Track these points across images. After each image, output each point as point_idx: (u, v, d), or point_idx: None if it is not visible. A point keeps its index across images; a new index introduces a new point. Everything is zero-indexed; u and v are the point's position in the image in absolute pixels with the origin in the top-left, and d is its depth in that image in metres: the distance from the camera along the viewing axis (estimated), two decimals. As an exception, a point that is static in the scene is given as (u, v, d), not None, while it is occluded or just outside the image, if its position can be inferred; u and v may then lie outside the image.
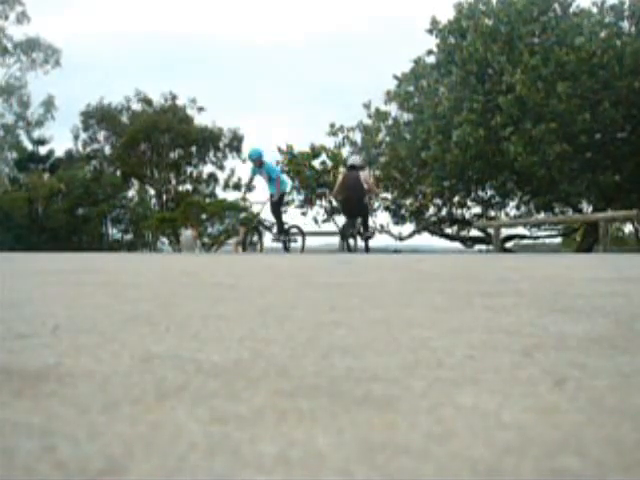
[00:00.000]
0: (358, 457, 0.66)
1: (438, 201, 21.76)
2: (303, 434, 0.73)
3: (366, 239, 12.03)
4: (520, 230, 22.18)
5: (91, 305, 2.14)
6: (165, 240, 30.54)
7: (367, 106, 21.96)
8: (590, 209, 20.19)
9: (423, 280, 3.63)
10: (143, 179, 33.54)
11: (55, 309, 2.01)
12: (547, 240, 24.69)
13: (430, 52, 20.67)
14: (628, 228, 26.71)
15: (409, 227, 22.51)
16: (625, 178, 18.72)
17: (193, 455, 0.66)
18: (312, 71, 72.82)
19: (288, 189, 12.95)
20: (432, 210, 22.16)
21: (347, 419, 0.79)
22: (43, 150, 32.49)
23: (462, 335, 1.44)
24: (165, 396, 0.91)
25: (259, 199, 13.60)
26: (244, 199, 15.85)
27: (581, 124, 17.34)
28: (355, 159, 12.63)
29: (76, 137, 33.89)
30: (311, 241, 20.74)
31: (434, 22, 20.24)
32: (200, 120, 34.15)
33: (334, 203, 19.97)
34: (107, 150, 34.03)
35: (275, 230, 12.43)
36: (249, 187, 14.06)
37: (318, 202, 22.12)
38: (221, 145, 33.82)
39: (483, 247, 21.60)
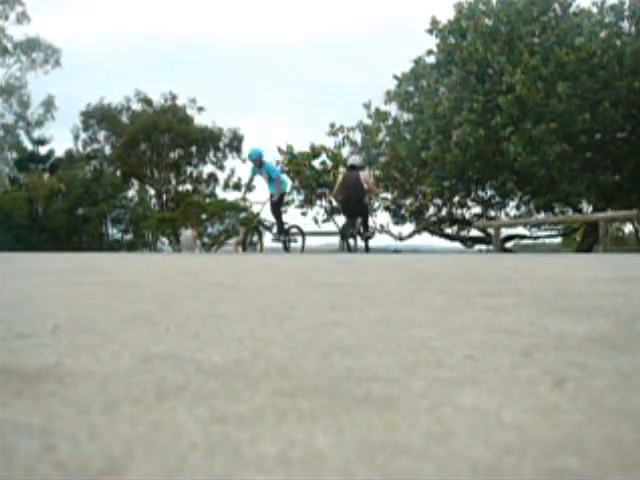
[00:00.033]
0: (358, 457, 0.66)
1: (438, 201, 21.76)
2: (303, 434, 0.73)
3: (366, 239, 12.04)
4: (520, 230, 22.21)
5: (91, 305, 2.14)
6: (165, 240, 30.54)
7: (367, 106, 21.97)
8: (590, 209, 20.19)
9: (423, 280, 3.63)
10: (143, 179, 33.54)
11: (55, 309, 2.01)
12: (547, 240, 24.71)
13: (430, 52, 20.68)
14: (628, 228, 26.73)
15: (409, 227, 22.53)
16: (625, 178, 18.72)
17: (193, 455, 0.66)
18: (312, 71, 72.86)
19: (288, 189, 12.95)
20: (432, 210, 22.17)
21: (347, 419, 0.79)
22: (43, 150, 32.53)
23: (462, 335, 1.44)
24: (165, 396, 0.91)
25: (259, 199, 13.61)
26: (244, 199, 15.85)
27: (581, 124, 17.35)
28: (355, 159, 12.63)
29: (76, 137, 33.92)
30: (311, 241, 20.73)
31: (434, 22, 20.24)
32: (200, 120, 34.20)
33: (334, 203, 19.97)
34: (107, 150, 34.05)
35: (275, 230, 12.44)
36: (249, 187, 14.07)
37: (318, 202, 22.13)
38: (221, 145, 33.82)
39: (483, 247, 21.60)
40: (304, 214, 22.15)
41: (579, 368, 1.09)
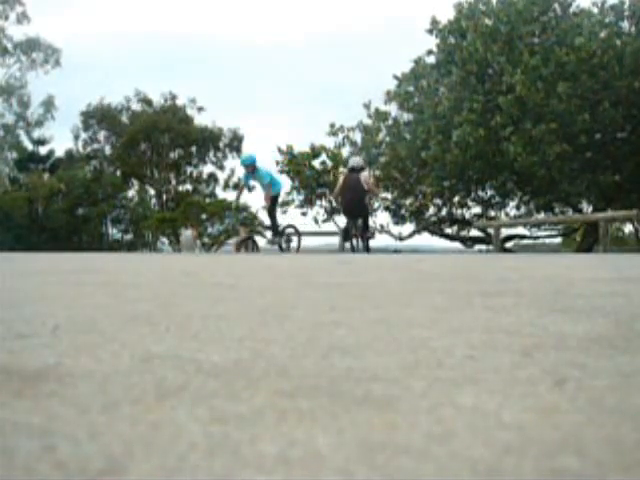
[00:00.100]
0: (358, 457, 0.66)
1: (438, 201, 21.76)
2: (303, 434, 0.73)
3: (366, 239, 12.11)
4: (520, 230, 22.20)
5: (91, 305, 2.14)
6: (165, 240, 30.54)
7: (367, 106, 21.96)
8: (590, 209, 20.19)
9: (423, 280, 3.63)
10: (143, 179, 33.54)
11: (55, 309, 2.01)
12: (547, 240, 24.71)
13: (430, 52, 20.67)
14: (628, 228, 26.73)
15: (409, 227, 22.52)
16: (625, 178, 18.72)
17: (193, 455, 0.66)
18: (312, 71, 72.82)
19: (282, 190, 12.96)
20: (432, 210, 22.16)
21: (347, 419, 0.79)
22: (43, 150, 32.52)
23: (462, 335, 1.44)
24: (165, 396, 0.91)
25: (253, 201, 13.68)
26: (237, 207, 15.85)
27: (581, 124, 17.35)
28: (355, 161, 12.68)
29: (76, 137, 33.93)
30: (311, 241, 20.79)
31: (434, 22, 20.24)
32: (200, 120, 34.21)
33: (334, 203, 19.96)
34: (107, 150, 34.05)
35: (270, 235, 12.57)
36: (240, 195, 14.12)
37: (318, 202, 22.11)
38: (221, 145, 33.83)
39: (483, 247, 21.60)
40: (304, 214, 22.15)
41: (579, 368, 1.09)
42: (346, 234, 12.31)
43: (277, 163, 21.74)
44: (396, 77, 21.49)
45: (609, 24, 18.49)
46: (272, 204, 12.30)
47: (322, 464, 0.64)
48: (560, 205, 20.87)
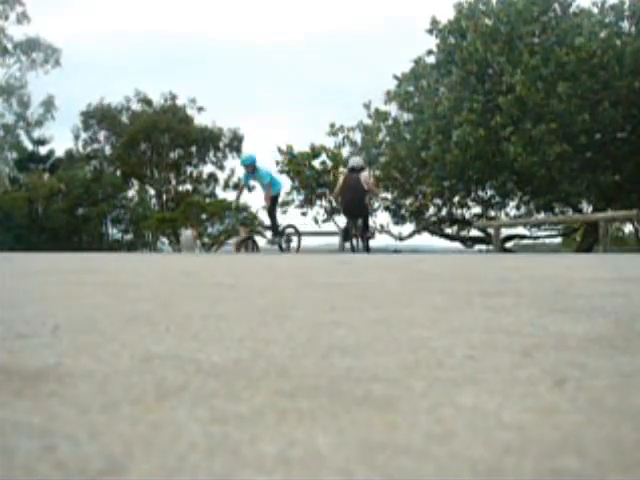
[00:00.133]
0: (358, 457, 0.66)
1: (438, 201, 21.76)
2: (303, 434, 0.73)
3: (366, 239, 12.16)
4: (520, 230, 22.20)
5: (91, 305, 2.14)
6: (165, 240, 30.54)
7: (367, 106, 21.96)
8: (590, 209, 20.19)
9: (423, 280, 3.63)
10: (143, 179, 33.54)
11: (55, 309, 2.01)
12: (547, 240, 24.70)
13: (430, 52, 20.67)
14: (628, 228, 26.72)
15: (409, 227, 22.52)
16: (625, 178, 18.72)
17: (193, 455, 0.67)
18: (312, 71, 72.80)
19: (282, 189, 12.96)
20: (432, 210, 22.16)
21: (347, 419, 0.79)
22: (43, 150, 32.53)
23: (462, 335, 1.44)
24: (165, 396, 0.91)
25: (253, 201, 13.72)
26: (237, 207, 15.86)
27: (581, 124, 17.35)
28: (355, 161, 12.72)
29: (76, 137, 33.93)
30: (311, 241, 20.79)
31: (434, 22, 20.23)
32: (200, 120, 34.21)
33: (334, 203, 19.96)
34: (107, 150, 34.05)
35: (270, 235, 12.59)
36: (240, 195, 14.13)
37: (318, 202, 22.11)
38: (221, 145, 33.83)
39: (483, 247, 21.60)
40: (304, 214, 22.15)
41: (579, 368, 1.09)
42: (346, 234, 12.37)
43: (277, 163, 21.75)
44: (396, 77, 21.50)
45: (609, 24, 18.48)
46: (272, 204, 12.32)
47: (322, 464, 0.64)
48: (560, 205, 20.87)
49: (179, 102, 33.91)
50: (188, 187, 34.02)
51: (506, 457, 0.65)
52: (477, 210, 22.06)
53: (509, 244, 22.24)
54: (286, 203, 21.98)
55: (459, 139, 17.95)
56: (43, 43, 33.97)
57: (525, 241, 23.81)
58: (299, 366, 1.11)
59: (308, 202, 22.05)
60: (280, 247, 12.35)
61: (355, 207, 11.80)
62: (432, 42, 20.47)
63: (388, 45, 68.24)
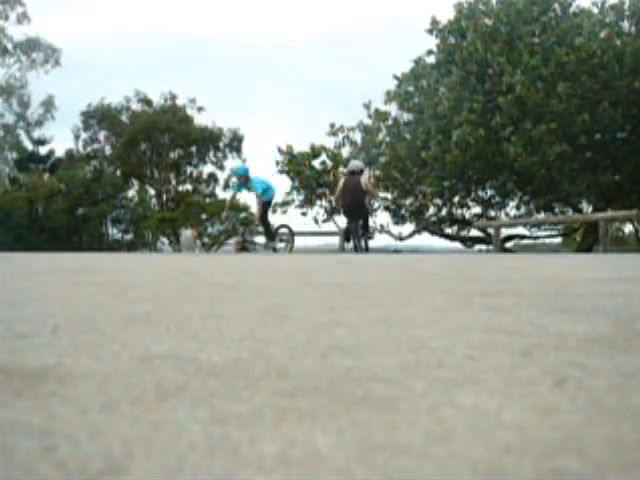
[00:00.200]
0: (358, 457, 0.66)
1: (438, 201, 21.75)
2: (303, 434, 0.73)
3: (366, 239, 12.35)
4: (520, 230, 22.20)
5: (91, 305, 2.14)
6: (165, 240, 30.54)
7: (367, 106, 21.95)
8: (590, 209, 20.18)
9: (423, 280, 3.63)
10: (143, 179, 33.53)
11: (55, 309, 2.01)
12: (547, 240, 24.70)
13: (430, 52, 20.67)
14: (628, 228, 26.71)
15: (409, 227, 22.52)
16: (625, 178, 18.72)
17: (193, 455, 0.67)
18: (312, 71, 72.78)
19: (275, 194, 12.95)
20: (432, 210, 22.15)
21: (347, 419, 0.79)
22: (43, 150, 32.51)
23: (462, 335, 1.44)
24: (165, 396, 0.91)
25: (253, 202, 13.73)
26: (227, 217, 15.89)
27: (581, 124, 17.35)
28: (355, 164, 12.89)
29: (77, 137, 33.92)
30: (311, 241, 20.79)
31: (434, 22, 20.23)
32: (200, 120, 34.17)
33: (334, 203, 19.97)
34: (107, 150, 34.04)
35: (264, 239, 12.64)
36: (231, 203, 14.17)
37: (318, 202, 22.11)
38: (221, 145, 33.80)
39: (483, 247, 21.59)
40: (304, 214, 22.16)
41: (579, 368, 1.09)
42: (347, 234, 12.52)
43: (277, 163, 21.76)
44: (396, 77, 21.49)
45: (609, 24, 18.48)
46: (264, 211, 12.38)
47: (322, 464, 0.64)
48: (560, 205, 20.86)
49: (179, 102, 33.92)
50: (188, 187, 34.02)
51: (506, 457, 0.65)
52: (477, 210, 22.07)
53: (509, 244, 22.23)
54: (286, 203, 21.99)
55: (459, 139, 17.95)
56: (43, 43, 33.97)
57: (525, 241, 23.80)
58: (299, 366, 1.11)
59: (308, 202, 22.05)
60: (274, 249, 12.43)
61: (355, 209, 12.04)
62: (432, 42, 20.50)
63: (388, 45, 68.25)
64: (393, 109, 21.50)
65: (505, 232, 20.10)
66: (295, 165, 21.64)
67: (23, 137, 34.07)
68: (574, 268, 4.75)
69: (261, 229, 12.92)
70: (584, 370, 1.07)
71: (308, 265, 5.51)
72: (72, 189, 28.88)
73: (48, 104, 34.21)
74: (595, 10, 19.14)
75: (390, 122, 21.37)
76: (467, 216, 22.24)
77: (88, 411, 0.83)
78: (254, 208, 12.69)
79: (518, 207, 21.55)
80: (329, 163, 21.87)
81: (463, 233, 22.99)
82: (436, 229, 22.60)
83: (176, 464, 0.64)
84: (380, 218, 26.17)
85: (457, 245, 23.40)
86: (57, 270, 4.73)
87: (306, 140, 44.45)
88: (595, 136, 18.39)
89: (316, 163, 21.92)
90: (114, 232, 31.55)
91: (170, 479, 0.61)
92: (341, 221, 18.68)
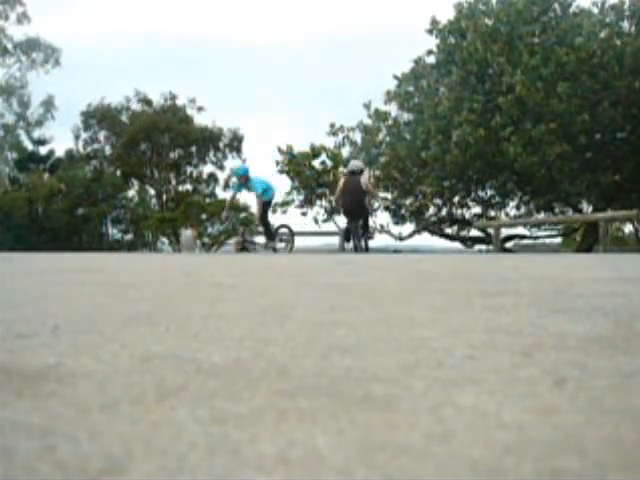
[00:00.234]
0: (358, 457, 0.66)
1: (438, 201, 21.75)
2: (303, 434, 0.73)
3: (366, 239, 12.39)
4: (520, 230, 22.20)
5: (91, 305, 2.14)
6: (165, 240, 30.54)
7: (367, 106, 21.95)
8: (590, 209, 20.18)
9: (423, 280, 3.63)
10: (143, 179, 33.53)
11: (55, 309, 2.01)
12: (547, 240, 24.70)
13: (430, 52, 20.67)
14: (628, 228, 26.70)
15: (409, 227, 22.52)
16: (625, 178, 18.72)
17: (193, 455, 0.67)
18: (312, 71, 72.78)
19: (275, 194, 12.95)
20: (432, 210, 22.15)
21: (347, 419, 0.79)
22: (43, 150, 32.51)
23: (462, 335, 1.44)
24: (165, 396, 0.91)
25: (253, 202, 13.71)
26: (227, 217, 15.91)
27: (581, 124, 17.35)
28: (355, 164, 12.94)
29: (77, 137, 33.92)
30: (311, 241, 20.80)
31: (434, 22, 20.23)
32: (200, 120, 34.17)
33: (334, 203, 19.97)
34: (107, 150, 34.04)
35: (264, 239, 12.66)
36: (231, 203, 14.18)
37: (318, 202, 22.12)
38: (221, 145, 33.81)
39: (483, 247, 21.59)
40: (304, 214, 22.17)
41: (579, 368, 1.09)
42: (347, 234, 12.57)
43: (277, 163, 21.76)
44: (396, 77, 21.49)
45: (609, 24, 18.48)
46: (264, 211, 12.38)
47: (322, 464, 0.64)
48: (560, 205, 20.87)
49: (179, 102, 33.92)
50: (188, 187, 34.02)
51: (506, 457, 0.65)
52: (477, 210, 22.07)
53: (509, 244, 22.23)
54: (286, 203, 22.00)
55: (459, 139, 17.95)
56: (43, 43, 33.97)
57: (525, 241, 23.80)
58: (299, 366, 1.11)
59: (308, 202, 22.06)
60: (274, 249, 12.45)
61: (355, 209, 12.09)
62: (432, 42, 20.50)
63: (388, 45, 68.27)
64: (393, 109, 21.52)
65: (505, 232, 20.10)
66: (295, 165, 21.64)
67: (23, 137, 34.11)
68: (574, 268, 4.75)
69: (261, 229, 12.94)
70: (584, 370, 1.07)
71: (308, 265, 5.51)
72: (72, 189, 28.89)
73: (48, 104, 34.21)
74: (595, 10, 19.15)
75: (390, 122, 21.37)
76: (467, 216, 22.24)
77: (88, 411, 0.83)
78: (254, 208, 12.69)
79: (518, 207, 21.56)
80: (329, 163, 21.87)
81: (463, 233, 22.99)
82: (436, 229, 22.60)
83: (176, 464, 0.64)
84: (380, 218, 26.20)
85: (457, 245, 23.42)
86: (57, 270, 4.73)
87: (306, 140, 44.46)
88: (595, 136, 18.39)
89: (316, 163, 21.93)
90: (114, 232, 31.58)
91: (170, 479, 0.61)
92: (341, 221, 18.70)
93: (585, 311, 1.88)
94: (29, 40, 33.81)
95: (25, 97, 34.26)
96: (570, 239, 25.38)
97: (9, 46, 33.91)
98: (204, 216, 28.50)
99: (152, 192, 33.86)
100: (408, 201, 21.78)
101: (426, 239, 24.68)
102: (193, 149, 33.58)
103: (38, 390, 0.94)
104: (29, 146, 33.12)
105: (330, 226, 21.06)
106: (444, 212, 22.24)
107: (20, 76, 34.21)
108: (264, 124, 60.54)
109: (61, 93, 55.52)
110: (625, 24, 19.02)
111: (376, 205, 20.24)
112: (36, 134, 33.37)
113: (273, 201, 13.48)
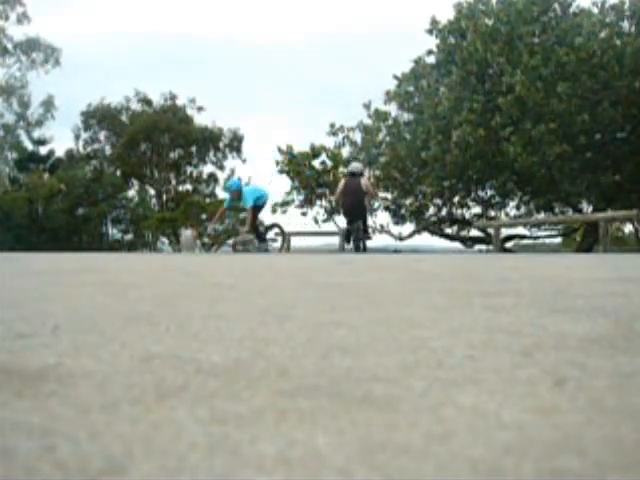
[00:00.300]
0: (358, 457, 0.66)
1: (438, 201, 21.75)
2: (303, 434, 0.73)
3: (364, 240, 12.47)
4: (520, 230, 22.19)
5: (91, 305, 2.14)
6: (165, 240, 30.54)
7: (367, 106, 21.95)
8: (590, 209, 20.18)
9: (423, 280, 3.63)
10: (143, 179, 33.53)
11: (55, 309, 2.01)
12: (547, 240, 24.68)
13: (430, 52, 20.67)
14: (628, 228, 26.69)
15: (409, 227, 22.52)
16: (625, 178, 18.71)
17: (193, 455, 0.67)
18: (312, 71, 72.72)
19: (267, 200, 12.94)
20: (432, 210, 22.15)
21: (347, 419, 0.79)
22: (43, 150, 32.51)
23: (462, 335, 1.44)
24: (165, 396, 0.91)
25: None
26: (214, 229, 15.92)
27: (581, 124, 17.34)
28: (355, 166, 13.05)
29: (77, 137, 33.92)
30: (311, 241, 20.80)
31: (434, 22, 20.23)
32: (200, 120, 34.17)
33: (334, 203, 19.98)
34: (107, 150, 34.05)
35: (256, 243, 12.67)
36: (218, 220, 14.14)
37: (318, 202, 22.12)
38: (221, 145, 33.81)
39: (483, 247, 21.59)
40: (304, 214, 22.17)
41: (579, 368, 1.09)
42: (347, 235, 12.66)
43: (277, 163, 21.76)
44: (396, 77, 21.49)
45: (609, 24, 18.47)
46: (254, 216, 12.36)
47: (322, 464, 0.64)
48: (560, 205, 20.86)
49: (179, 102, 33.92)
50: (188, 187, 34.02)
51: (506, 457, 0.65)
52: (477, 210, 22.06)
53: (509, 244, 22.22)
54: (286, 203, 22.00)
55: (459, 139, 17.95)
56: (43, 43, 33.97)
57: (525, 241, 23.79)
58: (299, 366, 1.11)
59: (308, 202, 22.06)
60: (266, 250, 12.50)
61: (355, 210, 12.19)
62: (432, 42, 20.49)
63: (388, 45, 68.20)
64: (393, 109, 21.52)
65: (505, 232, 20.09)
66: (295, 165, 21.64)
67: (23, 137, 34.10)
68: (574, 268, 4.75)
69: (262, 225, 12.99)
70: (584, 370, 1.07)
71: (308, 265, 5.51)
72: (72, 189, 28.88)
73: (48, 104, 34.22)
74: (595, 10, 19.14)
75: (390, 122, 21.37)
76: (467, 216, 22.23)
77: (88, 411, 0.83)
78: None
79: (518, 207, 21.55)
80: (329, 163, 21.87)
81: (463, 233, 22.98)
82: (436, 229, 22.60)
83: (176, 464, 0.64)
84: (380, 218, 26.20)
85: (457, 245, 23.41)
86: (57, 270, 4.73)
87: (306, 140, 44.46)
88: (595, 136, 18.38)
89: (316, 163, 21.93)
90: (114, 232, 31.58)
91: (170, 479, 0.61)
92: (341, 221, 18.69)
93: (585, 311, 1.88)
94: (29, 40, 33.81)
95: (25, 97, 34.28)
96: (570, 239, 25.38)
97: (9, 46, 33.92)
98: (204, 216, 28.50)
99: (152, 192, 33.87)
100: (408, 201, 21.78)
101: (426, 239, 24.68)
102: (193, 149, 33.58)
103: (38, 390, 0.94)
104: (29, 146, 33.15)
105: (330, 226, 21.07)
106: (444, 212, 22.24)
107: (20, 76, 34.24)
108: (264, 124, 60.52)
109: (61, 93, 55.50)
110: (625, 24, 19.01)
111: (376, 205, 20.26)
112: (36, 134, 33.41)
113: (266, 205, 13.47)
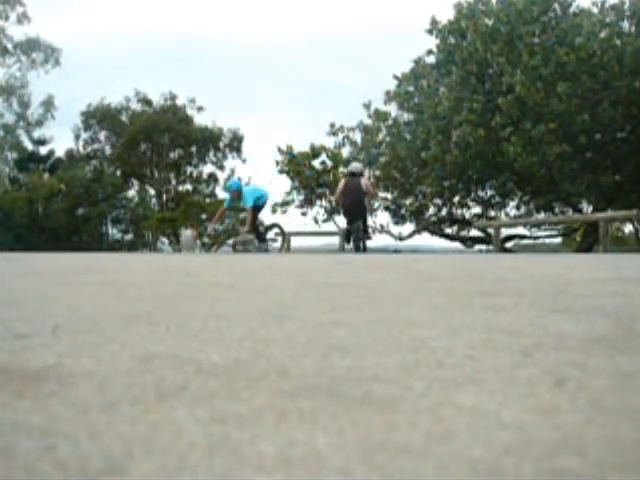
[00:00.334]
0: (358, 457, 0.66)
1: (438, 201, 21.75)
2: (303, 434, 0.73)
3: (364, 240, 12.49)
4: (520, 230, 22.19)
5: (91, 305, 2.14)
6: (165, 240, 30.55)
7: (367, 106, 21.95)
8: (590, 209, 20.18)
9: (423, 280, 3.63)
10: (143, 179, 33.53)
11: (55, 309, 2.01)
12: (547, 240, 24.68)
13: (430, 52, 20.67)
14: (628, 228, 26.69)
15: (409, 227, 22.52)
16: (625, 178, 18.72)
17: (193, 455, 0.67)
18: (312, 71, 72.72)
19: (267, 199, 12.94)
20: (432, 210, 22.15)
21: (347, 419, 0.79)
22: (43, 150, 32.50)
23: (462, 335, 1.44)
24: (165, 396, 0.91)
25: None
26: (214, 229, 15.93)
27: (581, 124, 17.34)
28: (356, 166, 13.06)
29: (77, 137, 33.92)
30: (311, 241, 20.79)
31: (434, 22, 20.23)
32: (200, 120, 34.18)
33: (334, 203, 19.98)
34: (107, 150, 34.05)
35: (256, 243, 12.68)
36: (218, 221, 14.14)
37: (318, 202, 22.12)
38: (221, 145, 33.81)
39: (483, 247, 21.59)
40: (304, 214, 22.18)
41: (579, 368, 1.09)
42: (347, 235, 12.68)
43: (277, 163, 21.76)
44: (396, 77, 21.49)
45: (609, 24, 18.47)
46: (254, 217, 12.36)
47: (322, 464, 0.64)
48: (560, 205, 20.86)
49: (179, 102, 33.92)
50: (188, 187, 34.02)
51: (506, 457, 0.65)
52: (477, 210, 22.07)
53: (509, 244, 22.22)
54: (286, 203, 22.00)
55: (459, 139, 17.95)
56: (43, 43, 33.97)
57: (525, 241, 23.79)
58: (299, 366, 1.11)
59: (308, 202, 22.06)
60: (266, 250, 12.51)
61: (355, 210, 12.21)
62: (432, 42, 20.50)
63: (388, 45, 68.20)
64: (393, 109, 21.52)
65: (505, 232, 20.09)
66: (295, 165, 21.64)
67: (23, 137, 34.12)
68: (574, 268, 4.75)
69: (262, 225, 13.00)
70: (584, 370, 1.07)
71: (308, 265, 5.51)
72: (72, 189, 28.88)
73: (48, 104, 34.22)
74: (595, 10, 19.14)
75: (390, 122, 21.37)
76: (467, 216, 22.24)
77: (88, 411, 0.83)
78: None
79: (518, 207, 21.56)
80: (329, 163, 21.88)
81: (463, 233, 22.98)
82: (436, 229, 22.60)
83: (176, 464, 0.64)
84: (380, 218, 26.20)
85: (457, 245, 23.41)
86: (57, 270, 4.73)
87: (306, 140, 44.46)
88: (595, 136, 18.39)
89: (316, 163, 21.93)
90: (114, 232, 31.59)
91: (170, 479, 0.61)
92: (341, 221, 18.70)
93: (585, 311, 1.88)
94: (29, 40, 33.81)
95: (25, 97, 34.29)
96: (570, 239, 25.37)
97: (9, 46, 33.93)
98: (204, 216, 28.50)
99: (152, 192, 33.87)
100: (408, 201, 21.78)
101: (426, 239, 24.68)
102: (193, 149, 33.58)
103: (38, 390, 0.94)
104: (29, 146, 33.14)
105: (330, 226, 21.08)
106: (444, 212, 22.24)
107: (20, 76, 34.26)
108: (264, 124, 60.51)
109: (61, 93, 55.52)
110: (625, 24, 19.01)
111: (376, 205, 20.26)
112: (36, 134, 33.41)
113: (266, 205, 13.48)
